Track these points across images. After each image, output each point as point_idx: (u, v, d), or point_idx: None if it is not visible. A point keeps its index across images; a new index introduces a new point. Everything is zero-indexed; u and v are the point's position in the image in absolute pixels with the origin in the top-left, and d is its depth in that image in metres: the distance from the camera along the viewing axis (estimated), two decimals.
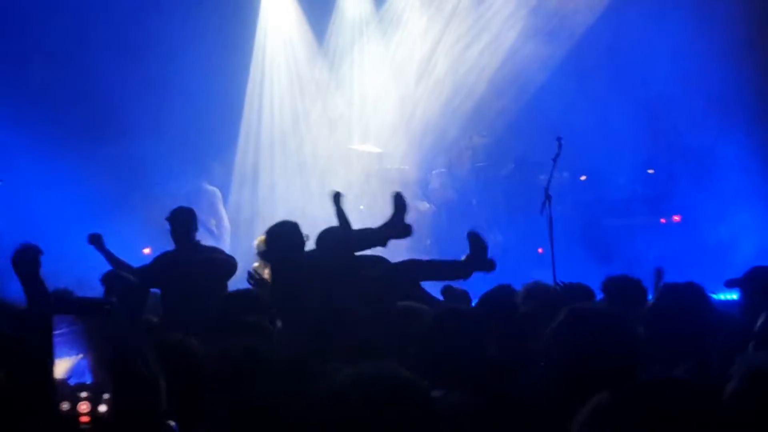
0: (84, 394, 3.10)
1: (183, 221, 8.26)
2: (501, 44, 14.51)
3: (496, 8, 14.61)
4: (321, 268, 7.67)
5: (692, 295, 4.70)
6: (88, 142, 13.27)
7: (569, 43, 14.24)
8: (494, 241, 14.04)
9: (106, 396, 3.08)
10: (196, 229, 8.32)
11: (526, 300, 5.93)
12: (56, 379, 3.12)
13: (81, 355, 3.20)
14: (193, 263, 7.95)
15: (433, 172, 14.87)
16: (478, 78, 14.54)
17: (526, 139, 14.28)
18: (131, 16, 13.59)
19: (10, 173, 12.24)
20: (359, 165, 14.51)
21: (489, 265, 7.70)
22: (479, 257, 7.64)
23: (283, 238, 7.78)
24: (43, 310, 4.49)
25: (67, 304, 3.43)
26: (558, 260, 10.32)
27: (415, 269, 8.03)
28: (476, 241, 7.71)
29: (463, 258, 7.79)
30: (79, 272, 8.73)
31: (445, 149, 14.99)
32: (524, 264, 12.32)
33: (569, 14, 14.30)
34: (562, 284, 6.51)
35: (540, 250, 12.50)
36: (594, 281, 6.87)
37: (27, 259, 6.11)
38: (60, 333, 3.24)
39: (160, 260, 8.31)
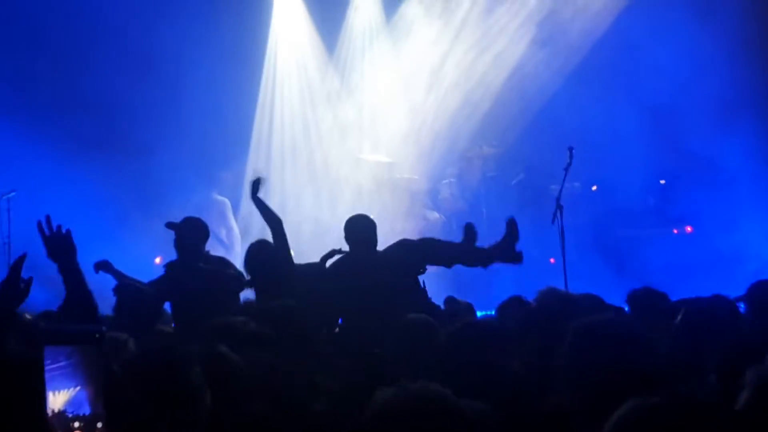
0: (77, 425, 3.09)
1: (190, 232, 7.99)
2: (511, 54, 14.50)
3: (505, 19, 14.60)
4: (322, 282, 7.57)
5: (721, 308, 4.66)
6: (100, 152, 13.29)
7: (579, 53, 14.22)
8: None
9: (99, 425, 3.07)
10: (205, 240, 8.07)
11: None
12: (51, 411, 3.11)
13: (79, 387, 3.20)
14: (199, 276, 7.71)
15: (443, 181, 14.86)
16: (488, 88, 14.53)
17: (536, 148, 14.25)
18: (143, 27, 13.60)
19: (24, 184, 12.27)
20: (369, 175, 14.48)
21: (517, 258, 7.51)
22: (510, 247, 7.47)
23: (256, 260, 7.69)
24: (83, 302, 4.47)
25: (57, 334, 3.40)
26: (570, 270, 10.28)
27: (435, 249, 7.88)
28: (512, 230, 7.55)
29: (489, 245, 7.61)
30: (93, 282, 8.71)
31: (455, 159, 14.98)
32: (535, 274, 12.28)
33: (578, 25, 14.29)
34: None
35: (552, 260, 12.46)
36: (606, 292, 6.84)
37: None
38: (58, 365, 3.23)
39: (168, 274, 8.05)
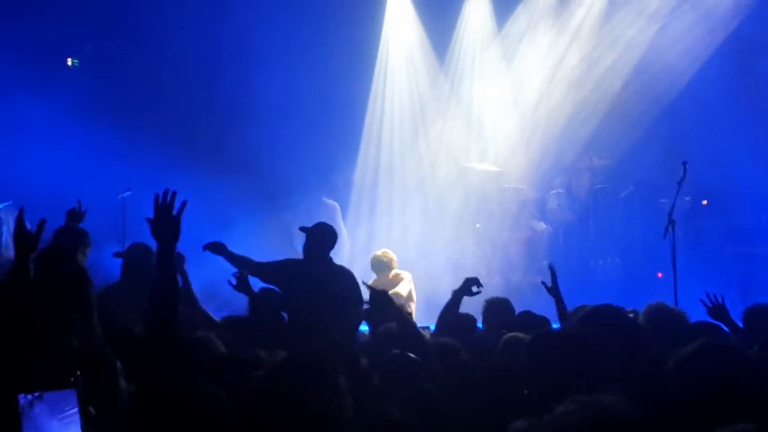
0: None
1: (320, 237, 8.05)
2: (626, 64, 14.33)
3: (622, 28, 14.41)
4: None
5: None
6: (214, 155, 13.59)
7: (695, 66, 13.99)
8: (612, 264, 13.92)
9: None
10: (332, 247, 8.08)
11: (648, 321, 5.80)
12: None
13: None
14: (326, 279, 7.73)
15: (551, 192, 14.73)
16: (600, 99, 14.37)
17: (646, 161, 14.07)
18: (261, 40, 13.88)
19: (140, 185, 12.58)
20: (477, 183, 14.44)
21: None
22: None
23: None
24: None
25: (31, 383, 3.34)
26: (680, 286, 10.08)
27: None
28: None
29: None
30: (203, 281, 8.87)
31: (563, 170, 14.84)
32: (642, 288, 12.11)
33: (696, 38, 14.04)
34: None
35: (660, 275, 12.26)
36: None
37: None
38: (71, 412, 3.21)
39: (290, 263, 8.12)
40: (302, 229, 8.15)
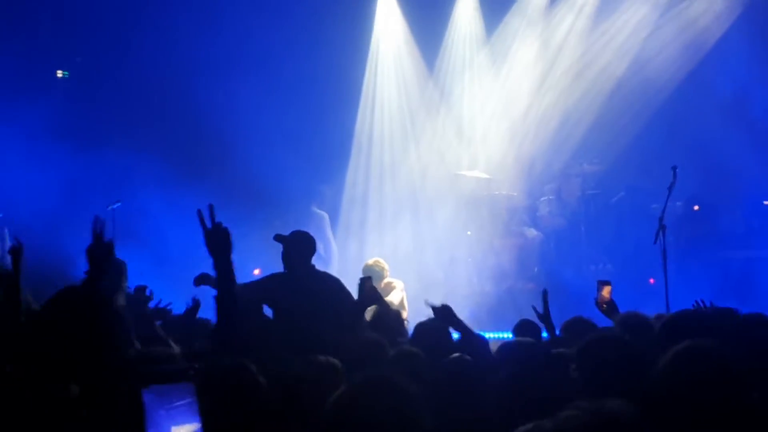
0: None
1: (298, 245, 7.78)
2: (613, 72, 14.37)
3: (609, 35, 14.49)
4: None
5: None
6: (201, 163, 13.54)
7: (682, 71, 14.02)
8: (603, 270, 13.89)
9: None
10: (312, 254, 7.85)
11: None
12: None
13: (198, 425, 3.26)
14: (313, 289, 7.54)
15: (542, 199, 14.72)
16: (590, 105, 14.40)
17: (637, 167, 14.07)
18: (253, 48, 13.88)
19: (129, 196, 12.56)
20: (468, 190, 14.44)
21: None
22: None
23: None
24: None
25: (151, 375, 3.41)
26: (671, 292, 10.06)
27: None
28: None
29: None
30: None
31: (554, 176, 14.84)
32: (634, 294, 12.08)
33: (682, 42, 14.08)
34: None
35: (651, 281, 12.23)
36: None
37: None
38: (184, 402, 3.26)
39: (275, 278, 7.88)
40: (276, 238, 7.87)
